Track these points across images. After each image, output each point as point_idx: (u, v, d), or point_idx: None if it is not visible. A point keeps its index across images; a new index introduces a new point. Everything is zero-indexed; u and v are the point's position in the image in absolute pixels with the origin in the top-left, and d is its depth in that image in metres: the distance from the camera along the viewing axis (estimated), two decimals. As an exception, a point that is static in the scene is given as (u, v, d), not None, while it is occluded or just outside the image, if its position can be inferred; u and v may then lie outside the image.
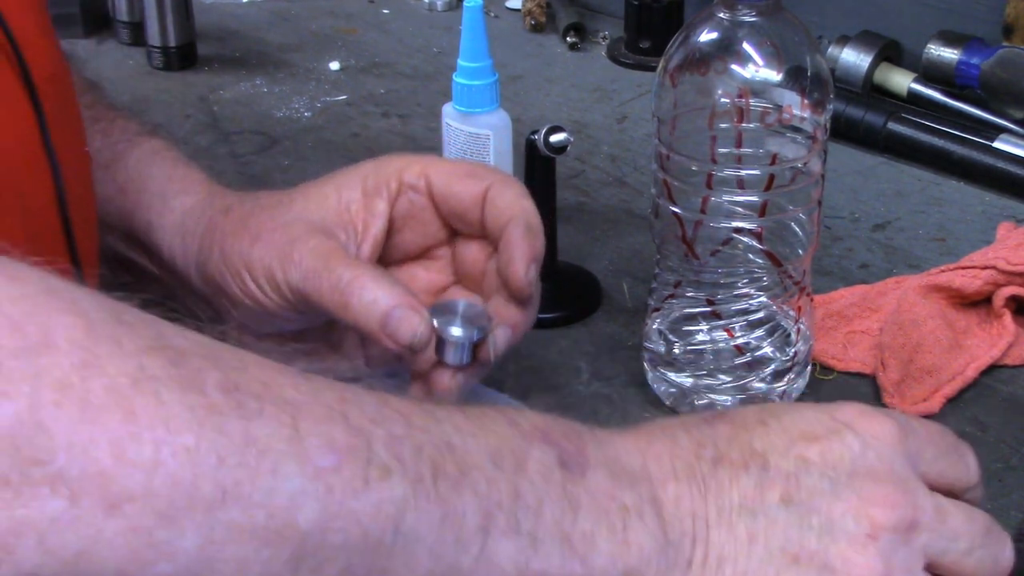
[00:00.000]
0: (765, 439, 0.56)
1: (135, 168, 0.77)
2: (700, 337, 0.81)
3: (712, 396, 0.80)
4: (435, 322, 0.67)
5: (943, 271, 0.89)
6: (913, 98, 1.17)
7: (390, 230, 0.72)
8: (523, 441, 0.51)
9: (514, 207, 0.69)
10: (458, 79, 1.01)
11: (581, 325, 0.91)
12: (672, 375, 0.81)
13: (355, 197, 0.72)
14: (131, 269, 0.79)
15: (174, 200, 0.75)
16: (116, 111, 0.82)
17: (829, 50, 1.19)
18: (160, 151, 0.79)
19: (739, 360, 0.80)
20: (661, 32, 1.26)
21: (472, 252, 0.73)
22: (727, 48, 0.75)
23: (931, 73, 1.17)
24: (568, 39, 1.33)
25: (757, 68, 0.75)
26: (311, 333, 0.74)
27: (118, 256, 0.79)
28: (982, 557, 0.56)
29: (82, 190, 0.67)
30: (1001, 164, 1.08)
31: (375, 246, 0.72)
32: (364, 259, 0.71)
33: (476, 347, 0.68)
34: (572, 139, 0.90)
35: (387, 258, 0.74)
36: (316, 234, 0.70)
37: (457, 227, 0.73)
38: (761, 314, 0.80)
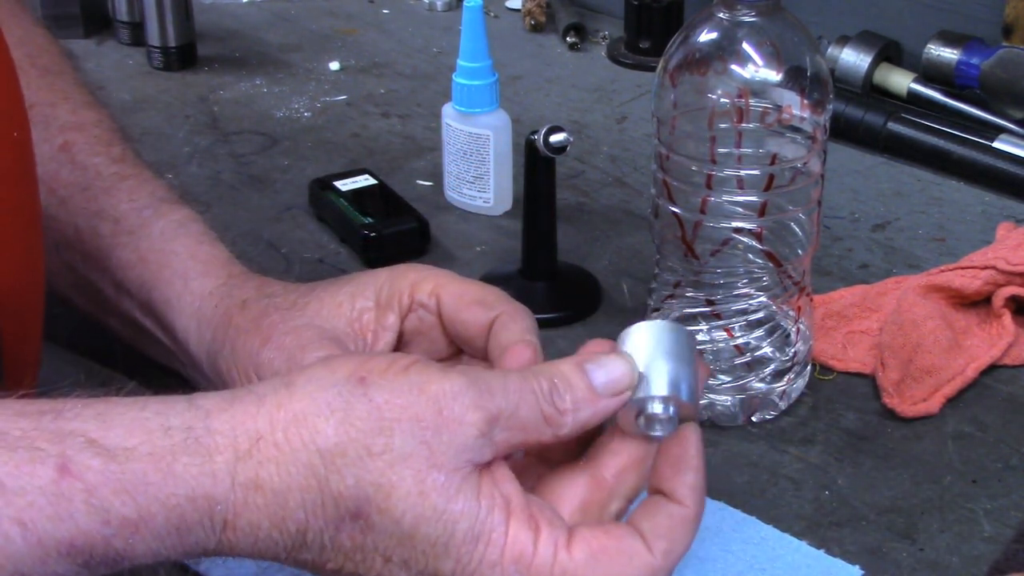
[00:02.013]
0: (374, 572, 0.56)
1: (159, 239, 0.77)
2: (700, 337, 0.81)
3: (712, 396, 0.80)
4: None
5: (943, 271, 0.89)
6: (913, 98, 1.17)
7: (398, 342, 0.72)
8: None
9: (516, 343, 0.67)
10: (458, 79, 1.01)
11: (581, 325, 0.91)
12: (672, 375, 0.81)
13: (368, 307, 0.71)
14: (144, 334, 0.79)
15: (194, 282, 0.75)
16: (145, 168, 0.82)
17: (829, 50, 1.19)
18: (186, 223, 0.79)
19: (739, 360, 0.80)
20: (661, 32, 1.26)
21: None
22: (727, 48, 0.75)
23: (931, 73, 1.17)
24: (568, 39, 1.33)
25: (757, 68, 0.75)
26: None
27: (133, 320, 0.79)
28: None
29: (22, 273, 0.66)
30: (1001, 164, 1.08)
31: None
32: None
33: None
34: (572, 139, 0.90)
35: None
36: (326, 342, 0.70)
37: (463, 349, 0.72)
38: (761, 314, 0.80)
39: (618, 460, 0.60)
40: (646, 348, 0.60)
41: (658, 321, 0.61)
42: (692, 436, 0.60)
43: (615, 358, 0.59)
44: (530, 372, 0.59)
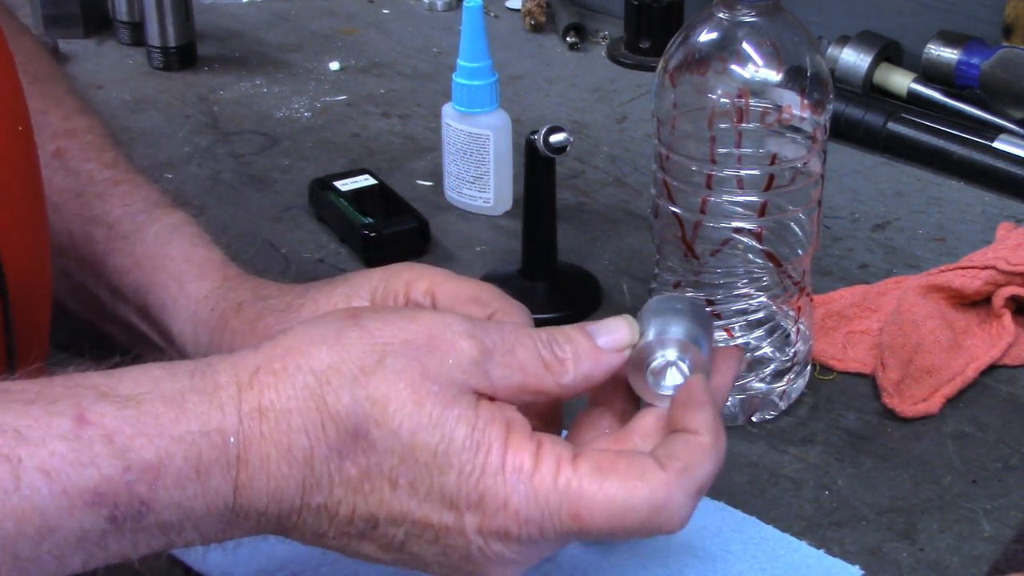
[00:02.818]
0: (384, 504, 0.56)
1: (153, 244, 0.78)
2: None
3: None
4: None
5: (943, 271, 0.89)
6: (913, 98, 1.17)
7: None
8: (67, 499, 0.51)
9: None
10: (458, 79, 1.01)
11: (581, 325, 0.91)
12: (672, 375, 0.81)
13: (363, 307, 0.72)
14: (141, 339, 0.79)
15: (190, 286, 0.76)
16: (138, 173, 0.83)
17: (829, 50, 1.19)
18: (180, 227, 0.79)
19: (739, 360, 0.80)
20: (661, 32, 1.26)
21: None
22: (727, 48, 0.75)
23: (931, 73, 1.17)
24: (568, 39, 1.33)
25: (757, 68, 0.75)
26: None
27: (130, 325, 0.79)
28: None
29: (31, 269, 0.67)
30: (1001, 164, 1.08)
31: None
32: None
33: None
34: (572, 139, 0.90)
35: None
36: None
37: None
38: (761, 314, 0.80)
39: (648, 441, 0.60)
40: (659, 313, 0.61)
41: (671, 294, 0.62)
42: (700, 379, 0.60)
43: (615, 319, 0.61)
44: (530, 327, 0.60)
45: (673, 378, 0.60)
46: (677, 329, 0.60)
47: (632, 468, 0.56)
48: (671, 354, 0.60)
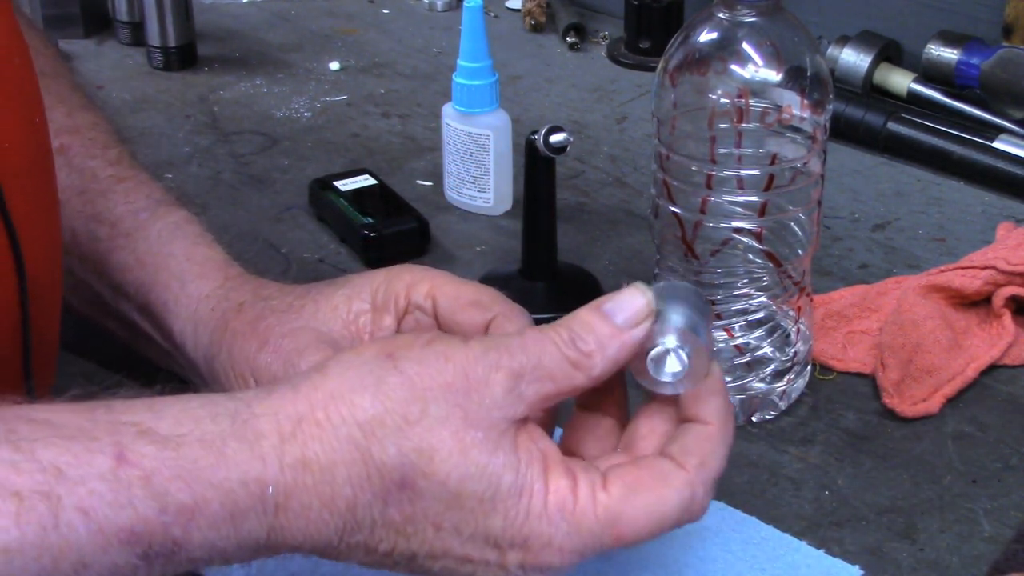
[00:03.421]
0: (427, 543, 0.56)
1: (156, 242, 0.78)
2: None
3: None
4: None
5: (943, 271, 0.89)
6: (913, 98, 1.18)
7: None
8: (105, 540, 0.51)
9: None
10: (458, 79, 1.01)
11: (581, 325, 0.91)
12: (672, 375, 0.81)
13: (364, 309, 0.72)
14: (142, 336, 0.79)
15: (191, 285, 0.76)
16: (141, 171, 0.83)
17: (829, 50, 1.19)
18: (182, 225, 0.79)
19: (739, 360, 0.80)
20: (661, 32, 1.26)
21: None
22: (727, 48, 0.75)
23: (931, 73, 1.17)
24: (568, 39, 1.33)
25: (757, 68, 0.75)
26: None
27: (131, 323, 0.79)
28: None
29: (46, 259, 0.67)
30: (1001, 164, 1.08)
31: None
32: None
33: None
34: (572, 139, 0.90)
35: None
36: (323, 346, 0.70)
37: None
38: (761, 314, 0.80)
39: (653, 439, 0.62)
40: (659, 300, 0.61)
41: (672, 281, 0.62)
42: (715, 369, 0.61)
43: (628, 292, 0.60)
44: (548, 326, 0.60)
45: (672, 366, 0.60)
46: (676, 317, 0.60)
47: (657, 476, 0.58)
48: (670, 341, 0.60)
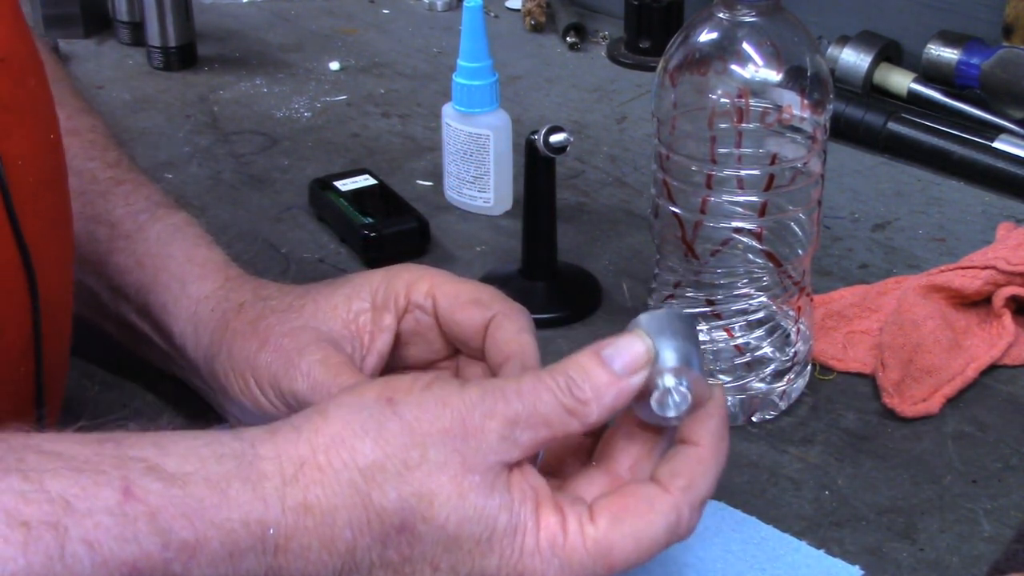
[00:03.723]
0: None
1: (156, 244, 0.78)
2: (700, 337, 0.80)
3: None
4: None
5: (943, 271, 0.89)
6: (913, 98, 1.18)
7: (396, 343, 0.72)
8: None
9: (512, 344, 0.68)
10: (458, 79, 1.01)
11: (581, 325, 0.91)
12: (672, 375, 0.81)
13: (364, 308, 0.72)
14: (141, 338, 0.79)
15: (191, 286, 0.76)
16: (140, 173, 0.83)
17: (829, 50, 1.19)
18: (182, 227, 0.79)
19: (739, 360, 0.80)
20: (661, 32, 1.26)
21: (475, 372, 0.72)
22: (727, 48, 0.75)
23: (931, 73, 1.17)
24: (568, 39, 1.33)
25: (757, 68, 0.75)
26: None
27: (131, 324, 0.79)
28: None
29: (58, 277, 0.67)
30: (1001, 164, 1.08)
31: (380, 360, 0.72)
32: (368, 372, 0.71)
33: None
34: (572, 139, 0.90)
35: (392, 366, 0.73)
36: (323, 345, 0.70)
37: (460, 350, 0.73)
38: (761, 314, 0.80)
39: (630, 453, 0.62)
40: (653, 333, 0.60)
41: (662, 309, 0.62)
42: (720, 393, 0.62)
43: (628, 337, 0.60)
44: (546, 371, 0.59)
45: (674, 401, 0.60)
46: (670, 353, 0.60)
47: (642, 502, 0.59)
48: (669, 381, 0.60)
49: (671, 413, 0.60)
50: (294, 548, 0.55)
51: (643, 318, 0.61)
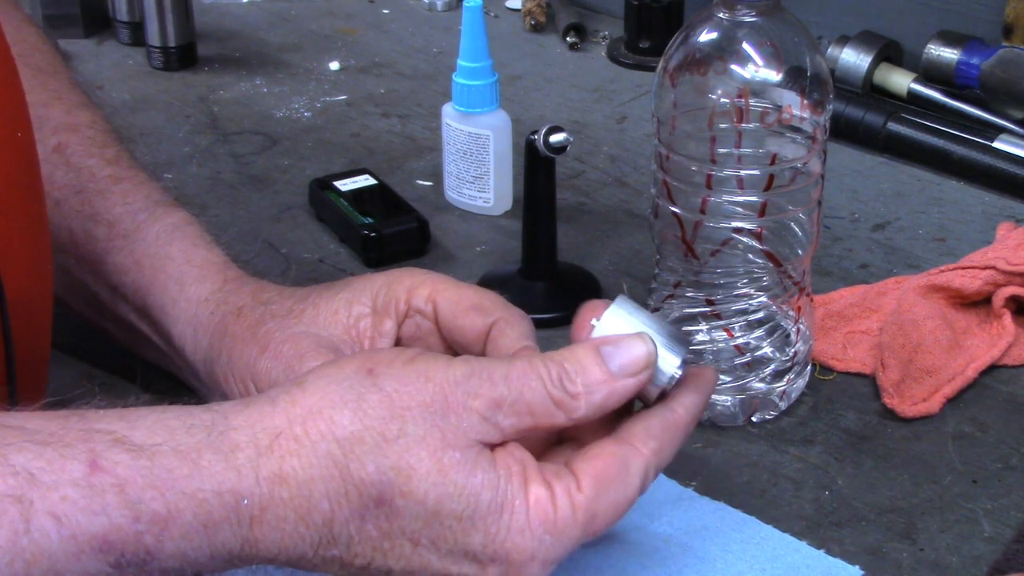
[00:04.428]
0: (403, 559, 0.56)
1: (154, 244, 0.77)
2: (700, 337, 0.81)
3: (712, 396, 0.80)
4: None
5: (943, 271, 0.89)
6: (913, 98, 1.17)
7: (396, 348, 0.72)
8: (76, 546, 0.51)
9: (513, 350, 0.68)
10: (458, 79, 1.01)
11: (581, 325, 0.91)
12: (672, 375, 0.81)
13: (364, 313, 0.71)
14: (140, 338, 0.79)
15: (190, 287, 0.75)
16: (140, 171, 0.82)
17: (829, 50, 1.19)
18: (181, 227, 0.78)
19: (739, 360, 0.80)
20: (661, 32, 1.26)
21: None
22: (727, 48, 0.75)
23: (931, 73, 1.17)
24: (568, 39, 1.33)
25: (757, 68, 0.75)
26: None
27: (129, 324, 0.79)
28: None
29: (30, 277, 0.66)
30: (1001, 164, 1.08)
31: None
32: None
33: None
34: (572, 139, 0.90)
35: None
36: (323, 352, 0.70)
37: (461, 354, 0.72)
38: (761, 314, 0.80)
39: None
40: (628, 327, 0.61)
41: (617, 301, 0.62)
42: (711, 375, 0.63)
43: (634, 339, 0.60)
44: (539, 358, 0.59)
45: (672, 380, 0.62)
46: (668, 335, 0.61)
47: (619, 466, 0.59)
48: (676, 372, 0.61)
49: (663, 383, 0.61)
50: (269, 520, 0.54)
51: (610, 317, 0.61)
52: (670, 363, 0.61)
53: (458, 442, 0.56)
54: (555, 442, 0.64)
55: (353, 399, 0.56)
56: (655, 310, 0.82)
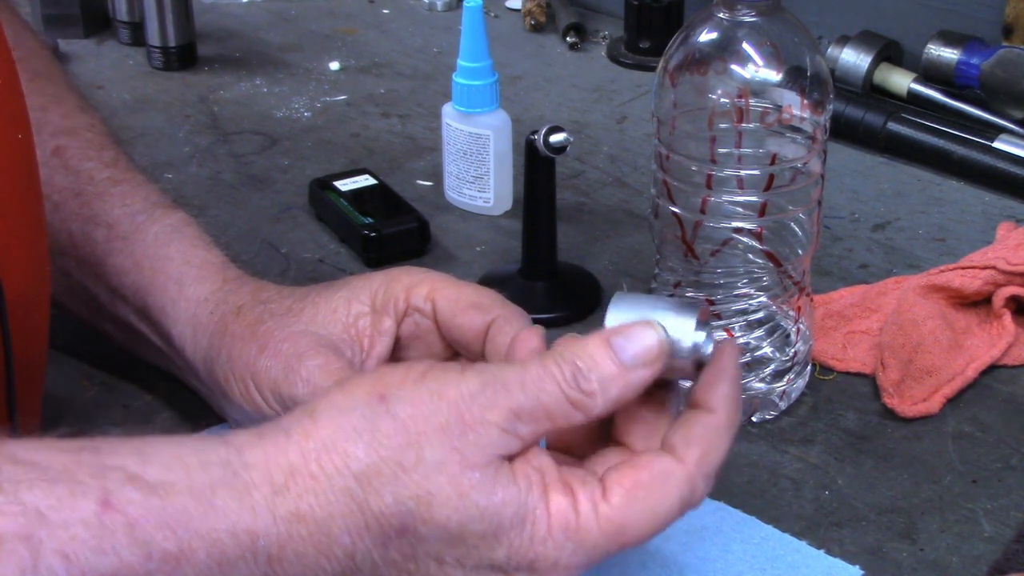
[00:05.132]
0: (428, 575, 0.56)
1: (153, 245, 0.77)
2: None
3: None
4: None
5: (943, 271, 0.89)
6: (913, 98, 1.17)
7: (395, 347, 0.72)
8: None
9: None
10: (458, 79, 1.01)
11: (581, 325, 0.91)
12: (672, 375, 0.81)
13: (364, 312, 0.71)
14: (140, 339, 0.79)
15: (189, 288, 0.75)
16: (138, 173, 0.82)
17: (829, 50, 1.19)
18: (180, 228, 0.78)
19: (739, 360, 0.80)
20: (661, 32, 1.26)
21: None
22: (727, 48, 0.75)
23: (931, 73, 1.17)
24: (568, 39, 1.33)
25: (757, 68, 0.75)
26: None
27: (129, 325, 0.79)
28: None
29: (29, 277, 0.66)
30: (1001, 164, 1.08)
31: (379, 364, 0.71)
32: None
33: None
34: (572, 139, 0.90)
35: None
36: (323, 350, 0.69)
37: (460, 353, 0.72)
38: (761, 314, 0.80)
39: (644, 420, 0.61)
40: (640, 312, 0.60)
41: (616, 298, 0.61)
42: (731, 350, 0.60)
43: (643, 328, 0.58)
44: (551, 358, 0.57)
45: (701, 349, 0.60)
46: (674, 315, 0.59)
47: (656, 477, 0.57)
48: (698, 339, 0.59)
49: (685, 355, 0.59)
50: (288, 556, 0.54)
51: (619, 304, 0.60)
52: (688, 334, 0.59)
53: (478, 461, 0.55)
54: (602, 440, 0.62)
55: (367, 430, 0.55)
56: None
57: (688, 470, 0.57)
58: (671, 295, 0.81)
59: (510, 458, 0.56)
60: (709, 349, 0.60)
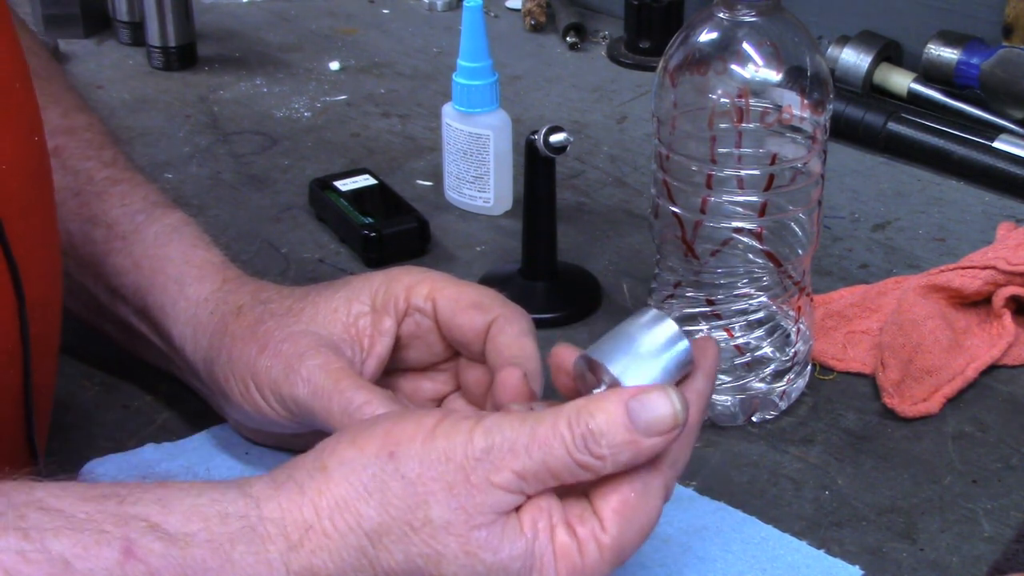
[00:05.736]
0: None
1: (153, 245, 0.77)
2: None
3: (712, 396, 0.80)
4: None
5: (943, 271, 0.89)
6: (913, 98, 1.18)
7: (395, 346, 0.72)
8: None
9: (513, 347, 0.68)
10: (458, 79, 1.01)
11: (581, 325, 0.91)
12: (672, 375, 0.81)
13: (364, 311, 0.71)
14: (140, 339, 0.79)
15: (189, 288, 0.75)
16: (137, 172, 0.82)
17: (829, 50, 1.19)
18: (179, 228, 0.78)
19: (739, 360, 0.80)
20: (661, 32, 1.26)
21: (475, 373, 0.72)
22: (727, 48, 0.75)
23: (931, 73, 1.17)
24: (568, 39, 1.33)
25: (757, 68, 0.75)
26: (301, 438, 0.72)
27: (129, 325, 0.79)
28: None
29: (46, 279, 0.67)
30: (1001, 164, 1.08)
31: (380, 363, 0.72)
32: (368, 376, 0.71)
33: None
34: (572, 139, 0.90)
35: (391, 368, 0.73)
36: (323, 350, 0.70)
37: (461, 353, 0.73)
38: (761, 314, 0.80)
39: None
40: (642, 369, 0.60)
41: (599, 346, 0.62)
42: (711, 349, 0.63)
43: (659, 395, 0.58)
44: (563, 419, 0.57)
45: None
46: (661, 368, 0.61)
47: (640, 492, 0.59)
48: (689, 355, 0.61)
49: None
50: None
51: (608, 344, 0.61)
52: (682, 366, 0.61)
53: (483, 520, 0.56)
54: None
55: (377, 489, 0.56)
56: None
57: (664, 476, 0.60)
58: (671, 295, 0.81)
59: (519, 509, 0.58)
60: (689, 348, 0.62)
